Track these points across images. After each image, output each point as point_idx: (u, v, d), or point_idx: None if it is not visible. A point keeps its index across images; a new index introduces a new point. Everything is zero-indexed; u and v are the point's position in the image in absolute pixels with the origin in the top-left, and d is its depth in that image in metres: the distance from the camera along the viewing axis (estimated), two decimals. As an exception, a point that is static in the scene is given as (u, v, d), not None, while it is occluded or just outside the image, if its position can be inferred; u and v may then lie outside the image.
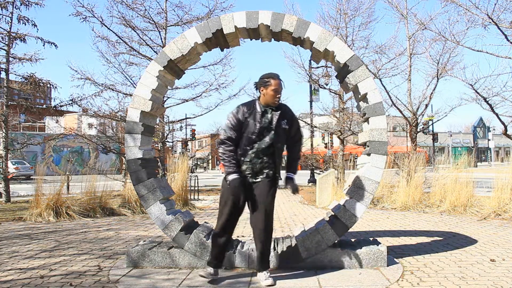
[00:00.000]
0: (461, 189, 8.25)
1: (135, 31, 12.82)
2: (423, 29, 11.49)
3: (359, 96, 4.36)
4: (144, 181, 4.34)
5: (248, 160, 3.63)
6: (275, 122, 3.65)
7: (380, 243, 4.27)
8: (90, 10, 12.04)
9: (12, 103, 12.45)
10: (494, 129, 51.10)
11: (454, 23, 13.88)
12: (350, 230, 4.26)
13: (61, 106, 13.14)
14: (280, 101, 3.71)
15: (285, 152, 3.88)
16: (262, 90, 3.69)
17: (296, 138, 3.85)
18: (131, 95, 12.24)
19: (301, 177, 26.98)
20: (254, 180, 3.66)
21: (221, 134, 3.74)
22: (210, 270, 3.69)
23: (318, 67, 15.25)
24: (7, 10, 11.72)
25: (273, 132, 3.63)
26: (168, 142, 19.15)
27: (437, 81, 11.89)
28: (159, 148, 13.22)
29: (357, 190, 4.19)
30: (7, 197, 11.24)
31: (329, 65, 13.76)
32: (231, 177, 3.55)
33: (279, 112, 3.69)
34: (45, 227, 7.06)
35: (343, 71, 4.40)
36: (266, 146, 3.62)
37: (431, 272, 3.94)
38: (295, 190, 3.69)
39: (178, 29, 15.13)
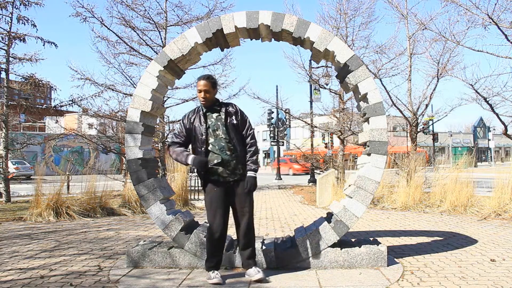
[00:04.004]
0: (461, 189, 8.24)
1: (135, 31, 12.81)
2: (423, 29, 11.47)
3: (359, 96, 4.36)
4: (144, 181, 4.34)
5: (218, 161, 3.69)
6: (223, 119, 3.76)
7: (380, 243, 4.27)
8: (90, 11, 12.03)
9: (12, 103, 12.43)
10: (494, 129, 51.09)
11: (454, 23, 13.91)
12: (350, 230, 4.26)
13: (61, 106, 13.14)
14: (211, 99, 3.78)
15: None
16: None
17: (248, 134, 3.83)
18: (131, 95, 12.24)
19: (301, 177, 26.87)
20: (232, 179, 3.74)
21: (168, 141, 3.83)
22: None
23: (318, 67, 15.25)
24: (7, 10, 11.73)
25: (224, 128, 3.73)
26: (168, 142, 19.10)
27: (437, 81, 11.87)
28: (159, 148, 13.21)
29: (357, 190, 4.19)
30: (7, 197, 11.23)
31: (329, 65, 13.76)
32: (190, 158, 3.71)
33: (229, 109, 3.81)
34: (45, 227, 7.06)
35: (343, 71, 4.40)
36: (225, 143, 3.72)
37: (431, 272, 3.95)
38: (252, 188, 3.73)
39: (178, 29, 15.13)
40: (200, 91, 3.77)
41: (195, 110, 3.90)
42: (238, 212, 3.78)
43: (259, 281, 3.60)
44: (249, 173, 3.76)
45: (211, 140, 3.75)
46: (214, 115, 3.80)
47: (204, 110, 3.83)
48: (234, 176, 3.74)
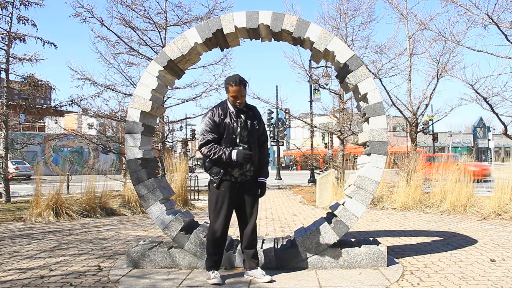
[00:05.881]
0: (461, 189, 8.25)
1: (134, 31, 12.83)
2: (423, 29, 11.50)
3: (359, 96, 4.36)
4: (144, 181, 4.34)
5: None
6: (249, 122, 3.76)
7: (380, 243, 4.27)
8: (89, 11, 12.05)
9: (12, 103, 12.44)
10: (494, 129, 51.10)
11: (454, 23, 13.91)
12: (350, 230, 4.26)
13: (61, 106, 13.15)
14: (244, 103, 3.77)
15: None
16: (226, 93, 3.79)
17: (263, 139, 3.94)
18: (131, 95, 12.24)
19: (301, 177, 26.92)
20: (242, 180, 3.75)
21: (200, 139, 3.76)
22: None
23: (318, 67, 15.26)
24: (7, 10, 11.73)
25: (247, 132, 3.75)
26: (168, 142, 19.12)
27: (437, 81, 11.89)
28: (159, 148, 13.22)
29: (357, 190, 4.19)
30: (7, 197, 11.23)
31: (329, 65, 13.76)
32: (234, 152, 3.60)
33: (251, 113, 3.83)
34: (45, 227, 7.06)
35: (343, 71, 4.40)
36: (247, 145, 3.73)
37: (431, 272, 3.95)
38: (263, 194, 3.88)
39: (178, 29, 15.12)
40: (235, 98, 3.69)
41: (222, 106, 3.77)
42: (246, 212, 3.79)
43: (269, 282, 3.62)
44: (261, 179, 3.85)
45: (237, 140, 3.73)
46: (243, 116, 3.77)
47: (235, 110, 3.76)
48: (245, 177, 3.75)
